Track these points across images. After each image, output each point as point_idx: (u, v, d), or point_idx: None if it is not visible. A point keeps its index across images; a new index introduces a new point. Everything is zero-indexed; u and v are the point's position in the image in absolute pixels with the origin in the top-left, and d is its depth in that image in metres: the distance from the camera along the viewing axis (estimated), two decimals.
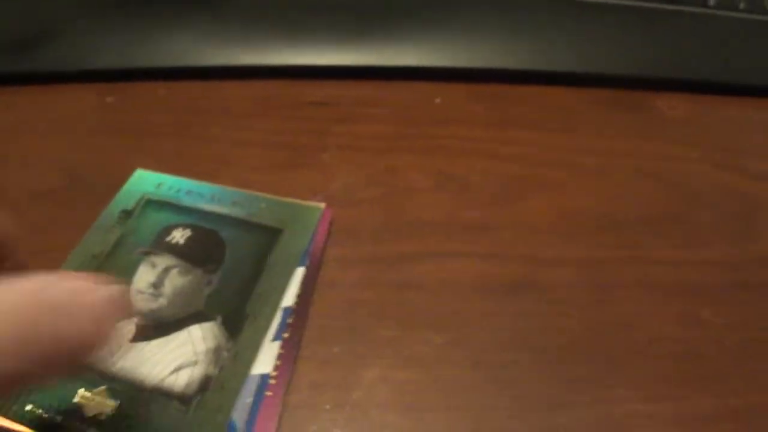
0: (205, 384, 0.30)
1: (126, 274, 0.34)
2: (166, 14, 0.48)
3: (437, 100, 0.46)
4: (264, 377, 0.31)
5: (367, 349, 0.32)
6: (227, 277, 0.34)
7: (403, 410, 0.30)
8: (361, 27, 0.47)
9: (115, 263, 0.35)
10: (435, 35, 0.48)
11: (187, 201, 0.37)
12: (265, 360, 0.31)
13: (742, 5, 0.52)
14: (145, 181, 0.38)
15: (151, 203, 0.37)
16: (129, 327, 0.32)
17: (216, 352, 0.31)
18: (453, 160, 0.42)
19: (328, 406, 0.31)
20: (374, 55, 0.46)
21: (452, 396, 0.31)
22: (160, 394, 0.30)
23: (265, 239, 0.35)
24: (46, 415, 0.29)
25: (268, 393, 0.30)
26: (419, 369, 0.32)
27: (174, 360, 0.31)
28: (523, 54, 0.47)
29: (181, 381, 0.30)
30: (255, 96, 0.46)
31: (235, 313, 0.33)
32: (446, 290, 0.35)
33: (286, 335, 0.32)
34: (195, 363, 0.31)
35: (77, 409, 0.29)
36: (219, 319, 0.32)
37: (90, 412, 0.29)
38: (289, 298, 0.34)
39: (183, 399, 0.30)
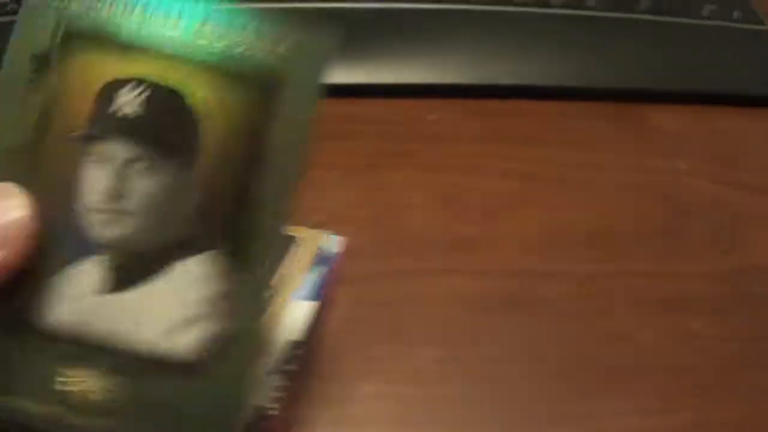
0: (214, 340, 0.22)
1: (64, 180, 0.22)
2: None
3: (431, 117, 0.46)
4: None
5: (364, 365, 0.33)
6: (214, 174, 0.23)
7: (400, 426, 0.31)
8: (353, 44, 0.48)
9: (44, 164, 0.22)
10: (428, 52, 0.48)
11: (130, 31, 0.23)
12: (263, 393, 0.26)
13: (735, 15, 0.53)
14: None
15: (73, 37, 0.23)
16: (94, 272, 0.22)
17: (222, 296, 0.22)
18: (447, 176, 0.42)
19: (325, 422, 0.31)
20: (366, 72, 0.47)
21: (449, 411, 0.32)
22: (158, 362, 0.22)
23: (258, 98, 0.23)
24: (20, 405, 0.22)
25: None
26: (416, 384, 0.32)
27: (169, 315, 0.22)
28: (515, 69, 0.47)
29: (184, 342, 0.22)
30: None
31: (239, 231, 0.23)
32: (442, 306, 0.35)
33: (289, 367, 0.27)
34: (197, 316, 0.22)
35: (61, 396, 0.22)
36: (218, 244, 0.23)
37: (77, 397, 0.22)
38: (297, 332, 0.27)
39: (189, 364, 0.22)
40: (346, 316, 0.35)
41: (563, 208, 0.41)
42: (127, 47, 0.23)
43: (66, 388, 0.22)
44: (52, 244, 0.22)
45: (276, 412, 0.27)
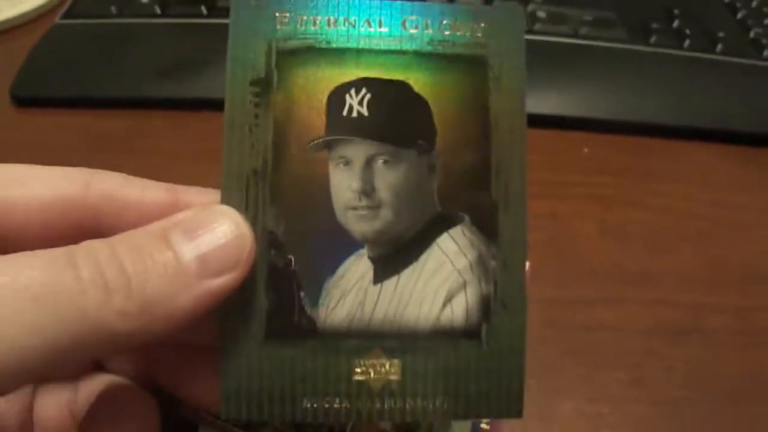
0: (485, 307, 0.24)
1: (313, 188, 0.24)
2: None
3: (585, 150, 0.50)
4: None
5: (561, 383, 0.37)
6: (449, 151, 0.24)
7: None
8: None
9: (288, 177, 0.24)
10: (582, 87, 0.51)
11: (341, 39, 0.24)
12: None
13: None
14: (256, 17, 0.24)
15: (287, 55, 0.24)
16: (361, 265, 0.24)
17: (481, 264, 0.24)
18: (609, 208, 0.45)
19: None
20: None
21: (640, 430, 0.35)
22: (441, 335, 0.23)
23: (471, 76, 0.25)
24: (327, 406, 0.23)
25: None
26: (608, 404, 0.36)
27: (438, 289, 0.24)
28: (661, 108, 0.50)
29: (458, 312, 0.24)
30: None
31: (481, 202, 0.24)
32: (623, 332, 0.38)
33: None
34: (464, 285, 0.24)
35: (361, 386, 0.23)
36: (466, 218, 0.24)
37: (377, 385, 0.23)
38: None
39: (470, 332, 0.24)
40: (539, 335, 0.38)
41: (716, 245, 0.44)
42: (341, 53, 0.24)
43: (365, 378, 0.23)
44: (318, 249, 0.24)
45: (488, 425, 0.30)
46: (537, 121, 0.48)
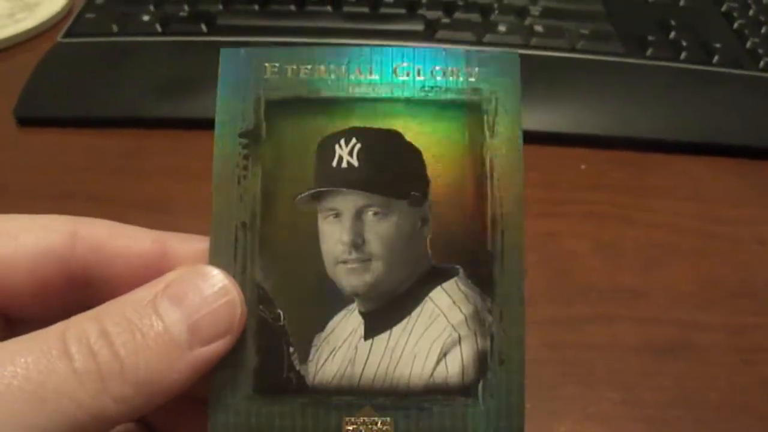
0: (482, 363, 0.23)
1: (303, 241, 0.23)
2: None
3: (582, 167, 0.50)
4: None
5: (555, 404, 0.37)
6: (442, 202, 0.24)
7: None
8: None
9: (277, 230, 0.23)
10: (579, 102, 0.51)
11: (330, 88, 0.24)
12: None
13: None
14: (245, 68, 0.24)
15: (276, 106, 0.24)
16: (351, 320, 0.23)
17: (476, 318, 0.23)
18: (604, 225, 0.45)
19: None
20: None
21: None
22: (435, 393, 0.23)
23: (465, 123, 0.24)
24: None
25: None
26: (603, 424, 0.37)
27: (432, 345, 0.23)
28: (658, 123, 0.50)
29: (453, 368, 0.23)
30: None
31: (474, 255, 0.23)
32: (614, 351, 0.39)
33: None
34: (458, 340, 0.23)
35: None
36: (460, 270, 0.23)
37: None
38: None
39: (465, 390, 0.23)
40: (536, 356, 0.39)
41: (708, 261, 0.45)
42: (332, 103, 0.24)
43: None
44: (308, 303, 0.23)
45: None
46: (534, 137, 0.49)
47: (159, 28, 0.51)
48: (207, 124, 0.48)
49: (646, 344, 0.39)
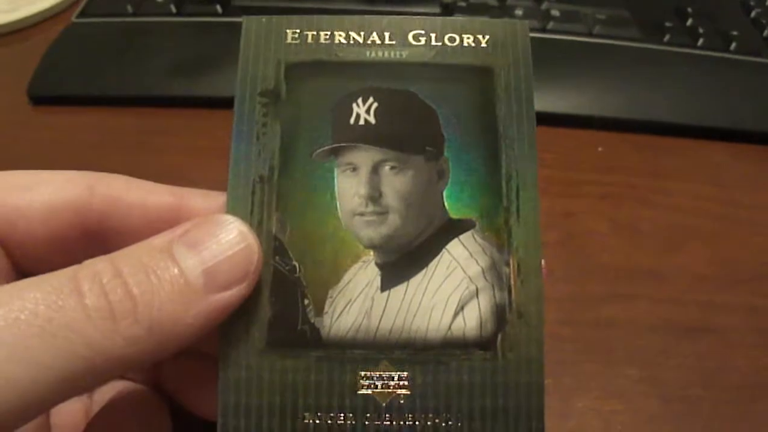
0: (500, 316, 0.23)
1: (320, 195, 0.23)
2: None
3: (600, 149, 0.50)
4: None
5: (576, 381, 0.37)
6: (457, 158, 0.24)
7: None
8: None
9: (294, 183, 0.23)
10: (596, 85, 0.51)
11: (348, 52, 0.25)
12: None
13: None
14: (267, 35, 0.25)
15: (295, 68, 0.25)
16: (368, 272, 0.23)
17: (493, 270, 0.23)
18: (621, 207, 0.45)
19: None
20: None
21: (653, 427, 0.36)
22: (453, 347, 0.22)
23: (478, 85, 0.25)
24: (330, 422, 0.21)
25: None
26: (622, 401, 0.36)
27: (449, 297, 0.23)
28: (674, 107, 0.50)
29: (471, 322, 0.22)
30: None
31: (491, 208, 0.24)
32: (634, 329, 0.39)
33: None
34: (476, 292, 0.23)
35: (367, 401, 0.22)
36: (476, 224, 0.24)
37: (384, 399, 0.22)
38: None
39: (483, 343, 0.22)
40: (554, 332, 0.39)
41: (727, 243, 0.45)
42: (349, 66, 0.24)
43: (371, 392, 0.22)
44: (323, 256, 0.23)
45: None
46: (552, 119, 0.49)
47: (174, 9, 0.51)
48: (221, 103, 0.48)
49: (666, 324, 0.39)
